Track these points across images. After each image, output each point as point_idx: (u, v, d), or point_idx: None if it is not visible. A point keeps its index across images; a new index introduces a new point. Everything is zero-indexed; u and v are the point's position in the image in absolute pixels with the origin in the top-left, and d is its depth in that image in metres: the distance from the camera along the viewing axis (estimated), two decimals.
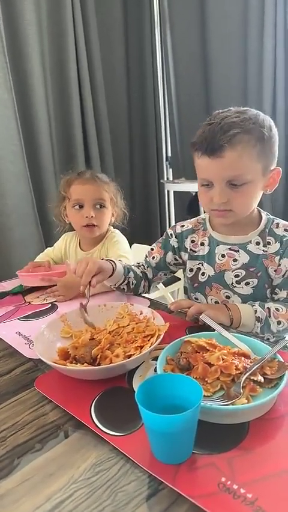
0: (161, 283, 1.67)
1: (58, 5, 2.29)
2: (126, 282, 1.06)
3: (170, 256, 1.11)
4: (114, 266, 1.01)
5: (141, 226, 3.10)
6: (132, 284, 1.08)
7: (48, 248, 1.53)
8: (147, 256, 1.15)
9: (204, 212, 1.05)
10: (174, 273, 1.19)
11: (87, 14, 2.46)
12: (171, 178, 3.08)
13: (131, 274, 1.07)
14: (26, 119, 2.22)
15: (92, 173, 1.34)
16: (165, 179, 3.07)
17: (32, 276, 1.23)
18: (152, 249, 1.15)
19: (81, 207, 1.30)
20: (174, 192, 2.83)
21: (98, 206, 1.30)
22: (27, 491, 0.49)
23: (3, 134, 2.05)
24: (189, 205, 2.76)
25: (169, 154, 3.09)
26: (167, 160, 3.09)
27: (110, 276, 1.00)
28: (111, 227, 1.43)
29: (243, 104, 0.92)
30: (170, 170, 3.11)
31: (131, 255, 1.37)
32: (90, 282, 0.92)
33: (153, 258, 1.13)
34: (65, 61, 2.37)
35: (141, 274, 1.12)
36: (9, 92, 2.05)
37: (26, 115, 2.23)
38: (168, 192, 2.92)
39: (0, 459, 0.55)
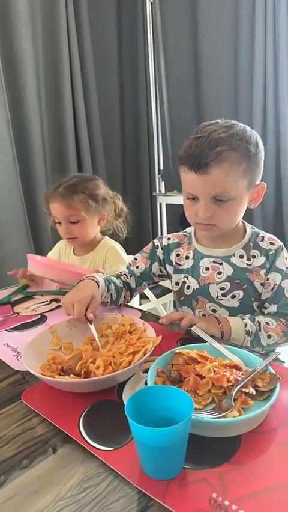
0: (152, 295, 1.66)
1: (53, 23, 2.32)
2: (109, 294, 1.01)
3: (155, 267, 1.09)
4: (97, 281, 0.96)
5: (134, 238, 3.08)
6: (114, 296, 1.02)
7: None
8: (130, 265, 1.12)
9: None
10: (157, 283, 1.17)
11: (82, 32, 2.50)
12: (163, 191, 3.10)
13: (112, 286, 1.02)
14: (19, 132, 2.22)
15: (65, 187, 1.33)
16: (158, 192, 3.09)
17: (55, 269, 1.23)
18: (136, 259, 1.11)
19: (59, 223, 1.37)
20: (166, 204, 2.85)
21: (72, 221, 1.35)
22: (12, 508, 0.47)
23: None
24: (181, 218, 2.77)
25: (161, 168, 3.12)
26: (159, 173, 3.12)
27: None
28: (106, 237, 1.47)
29: (234, 120, 0.91)
30: (162, 183, 3.13)
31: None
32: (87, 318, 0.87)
33: (137, 267, 1.10)
34: (60, 78, 2.40)
35: (121, 285, 1.06)
36: (3, 104, 2.07)
37: (20, 126, 2.23)
38: (160, 204, 2.95)
39: None
